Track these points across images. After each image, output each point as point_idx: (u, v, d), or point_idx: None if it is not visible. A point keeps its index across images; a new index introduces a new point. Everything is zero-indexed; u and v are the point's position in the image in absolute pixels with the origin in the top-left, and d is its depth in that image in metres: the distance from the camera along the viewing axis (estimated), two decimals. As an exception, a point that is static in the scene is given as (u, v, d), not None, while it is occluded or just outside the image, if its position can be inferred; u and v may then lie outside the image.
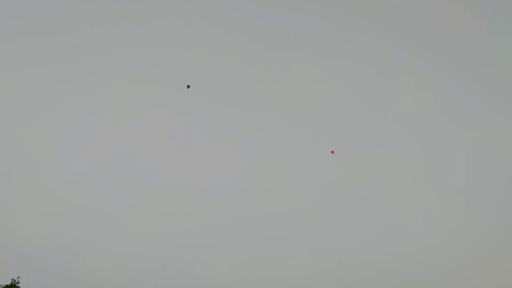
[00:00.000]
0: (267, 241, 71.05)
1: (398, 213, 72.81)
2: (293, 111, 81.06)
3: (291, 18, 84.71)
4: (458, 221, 71.79)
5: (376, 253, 69.23)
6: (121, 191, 74.62)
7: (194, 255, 69.91)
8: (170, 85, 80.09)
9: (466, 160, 76.27)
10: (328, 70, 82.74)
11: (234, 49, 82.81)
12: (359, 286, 67.00)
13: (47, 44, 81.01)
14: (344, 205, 73.88)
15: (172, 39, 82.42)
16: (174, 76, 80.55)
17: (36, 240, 68.67)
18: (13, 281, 53.51)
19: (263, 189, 75.79)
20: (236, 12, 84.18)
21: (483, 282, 66.37)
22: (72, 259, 68.04)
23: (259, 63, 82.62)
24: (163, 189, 75.44)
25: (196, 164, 77.90)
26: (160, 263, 68.84)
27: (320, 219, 72.98)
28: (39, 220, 70.56)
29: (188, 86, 62.57)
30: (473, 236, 70.31)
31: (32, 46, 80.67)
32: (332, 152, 70.76)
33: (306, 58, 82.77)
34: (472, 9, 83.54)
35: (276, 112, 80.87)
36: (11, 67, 79.71)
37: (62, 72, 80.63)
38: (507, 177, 74.39)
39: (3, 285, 53.24)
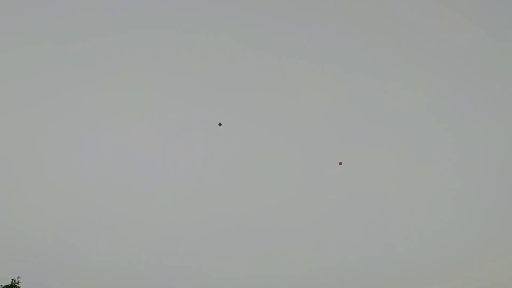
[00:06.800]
0: (265, 239, 71.42)
1: (391, 211, 73.35)
2: (287, 112, 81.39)
3: (284, 22, 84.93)
4: (448, 218, 72.50)
5: (368, 250, 69.79)
6: (122, 190, 74.87)
7: (195, 253, 70.16)
8: (167, 89, 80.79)
9: (455, 160, 76.92)
10: (320, 72, 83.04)
11: (229, 53, 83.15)
12: (351, 282, 67.44)
13: (55, 51, 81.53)
14: (338, 203, 74.33)
15: (170, 45, 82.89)
16: (171, 80, 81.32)
17: (37, 240, 68.90)
18: (13, 281, 53.71)
19: (261, 188, 76.15)
20: (231, 16, 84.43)
21: (474, 279, 66.70)
22: (73, 258, 68.25)
23: (253, 67, 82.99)
24: (164, 188, 75.69)
25: (196, 164, 78.19)
26: (161, 262, 69.08)
27: (316, 217, 73.38)
28: (40, 219, 70.78)
29: (220, 124, 63.11)
30: (463, 233, 71.00)
31: (38, 54, 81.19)
32: (340, 163, 69.92)
33: (298, 62, 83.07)
34: (465, 12, 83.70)
35: (272, 113, 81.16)
36: (20, 74, 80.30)
37: (68, 78, 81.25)
38: (495, 177, 75.11)
39: (3, 285, 53.44)
